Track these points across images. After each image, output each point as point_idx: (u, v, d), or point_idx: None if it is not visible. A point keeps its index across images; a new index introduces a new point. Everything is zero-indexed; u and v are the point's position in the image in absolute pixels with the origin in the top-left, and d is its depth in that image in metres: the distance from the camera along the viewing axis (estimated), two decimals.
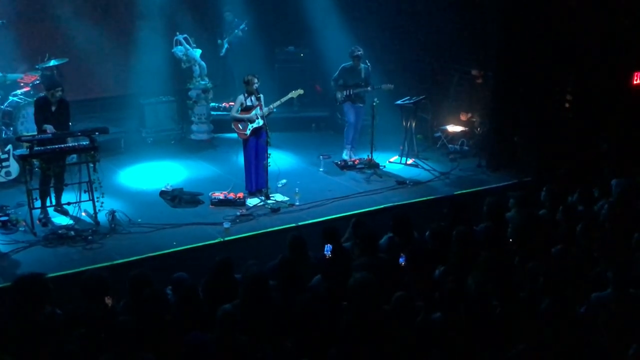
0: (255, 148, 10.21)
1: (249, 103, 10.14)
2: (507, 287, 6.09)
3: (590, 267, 6.85)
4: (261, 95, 10.18)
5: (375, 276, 5.87)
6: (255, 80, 10.06)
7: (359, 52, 11.63)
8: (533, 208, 8.23)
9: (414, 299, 5.92)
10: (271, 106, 10.22)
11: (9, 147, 10.28)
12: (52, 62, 11.97)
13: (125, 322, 5.38)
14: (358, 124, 12.09)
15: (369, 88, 11.72)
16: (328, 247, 7.22)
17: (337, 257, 7.09)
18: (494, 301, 5.96)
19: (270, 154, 10.13)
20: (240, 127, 10.20)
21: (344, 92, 11.82)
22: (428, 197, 10.43)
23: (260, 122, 10.09)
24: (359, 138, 12.10)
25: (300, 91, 10.65)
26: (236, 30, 14.00)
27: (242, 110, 10.16)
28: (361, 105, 11.94)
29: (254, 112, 10.10)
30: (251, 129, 10.13)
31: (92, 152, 9.18)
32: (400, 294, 5.81)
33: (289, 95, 10.52)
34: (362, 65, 11.75)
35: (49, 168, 9.22)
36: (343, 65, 11.85)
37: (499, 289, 6.02)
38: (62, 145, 9.17)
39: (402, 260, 7.00)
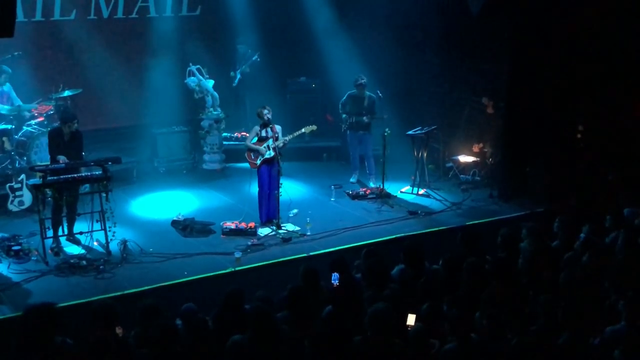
0: (268, 179, 10.24)
1: (263, 134, 10.20)
2: (520, 319, 6.03)
3: (602, 299, 6.79)
4: (277, 127, 10.23)
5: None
6: (265, 112, 10.10)
7: (362, 81, 11.85)
8: (545, 239, 8.18)
9: (428, 331, 5.88)
10: (285, 139, 10.25)
11: (23, 176, 10.35)
12: (66, 93, 12.11)
13: (137, 353, 5.35)
14: (367, 152, 12.17)
15: (364, 118, 11.83)
16: (335, 276, 7.18)
17: (348, 287, 7.05)
18: (508, 333, 5.90)
19: (281, 184, 10.15)
20: (252, 157, 10.26)
21: (347, 121, 11.99)
22: (440, 228, 10.38)
23: (271, 153, 10.13)
24: (375, 165, 12.09)
25: (314, 127, 10.64)
26: (244, 66, 14.12)
27: (257, 141, 10.23)
28: (363, 132, 12.02)
29: (266, 143, 10.15)
30: (262, 159, 10.18)
31: (105, 182, 9.23)
32: (415, 325, 5.77)
33: (302, 130, 10.52)
34: (367, 94, 11.88)
35: (61, 197, 9.26)
36: (349, 92, 12.03)
37: (512, 321, 5.97)
38: (75, 175, 9.23)
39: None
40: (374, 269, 7.15)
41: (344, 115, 12.09)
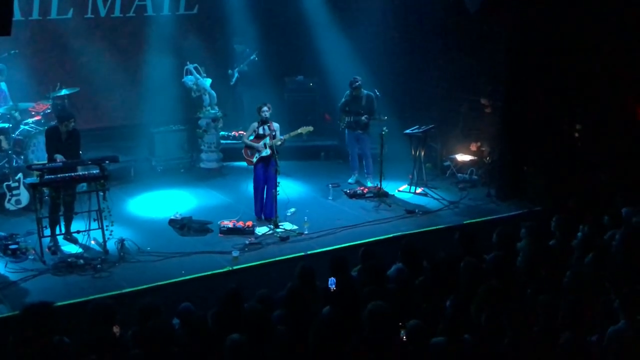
0: (264, 176, 10.28)
1: (261, 132, 10.23)
2: (518, 318, 6.02)
3: (601, 297, 6.78)
4: (275, 124, 10.29)
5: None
6: (265, 109, 10.15)
7: (357, 83, 11.74)
8: (543, 238, 8.17)
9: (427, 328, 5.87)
10: (282, 138, 10.28)
11: (20, 175, 10.33)
12: (63, 92, 12.08)
13: (133, 353, 5.34)
14: (365, 151, 12.13)
15: (363, 118, 11.75)
16: (332, 280, 7.16)
17: (345, 287, 7.04)
18: (506, 332, 5.90)
19: (279, 183, 10.16)
20: (249, 154, 10.33)
21: (345, 119, 11.92)
22: (437, 227, 10.39)
23: (268, 151, 10.15)
24: (372, 165, 12.05)
25: (310, 128, 10.71)
26: (241, 65, 14.12)
27: (254, 138, 10.27)
28: (361, 132, 11.97)
29: (262, 141, 10.18)
30: (258, 157, 10.21)
31: (102, 181, 9.22)
32: (414, 322, 5.77)
33: (298, 131, 10.59)
34: (365, 94, 11.82)
35: (58, 196, 9.26)
36: (347, 92, 11.96)
37: (509, 320, 5.96)
38: (73, 174, 9.22)
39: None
40: (371, 269, 7.14)
41: (344, 116, 11.99)
